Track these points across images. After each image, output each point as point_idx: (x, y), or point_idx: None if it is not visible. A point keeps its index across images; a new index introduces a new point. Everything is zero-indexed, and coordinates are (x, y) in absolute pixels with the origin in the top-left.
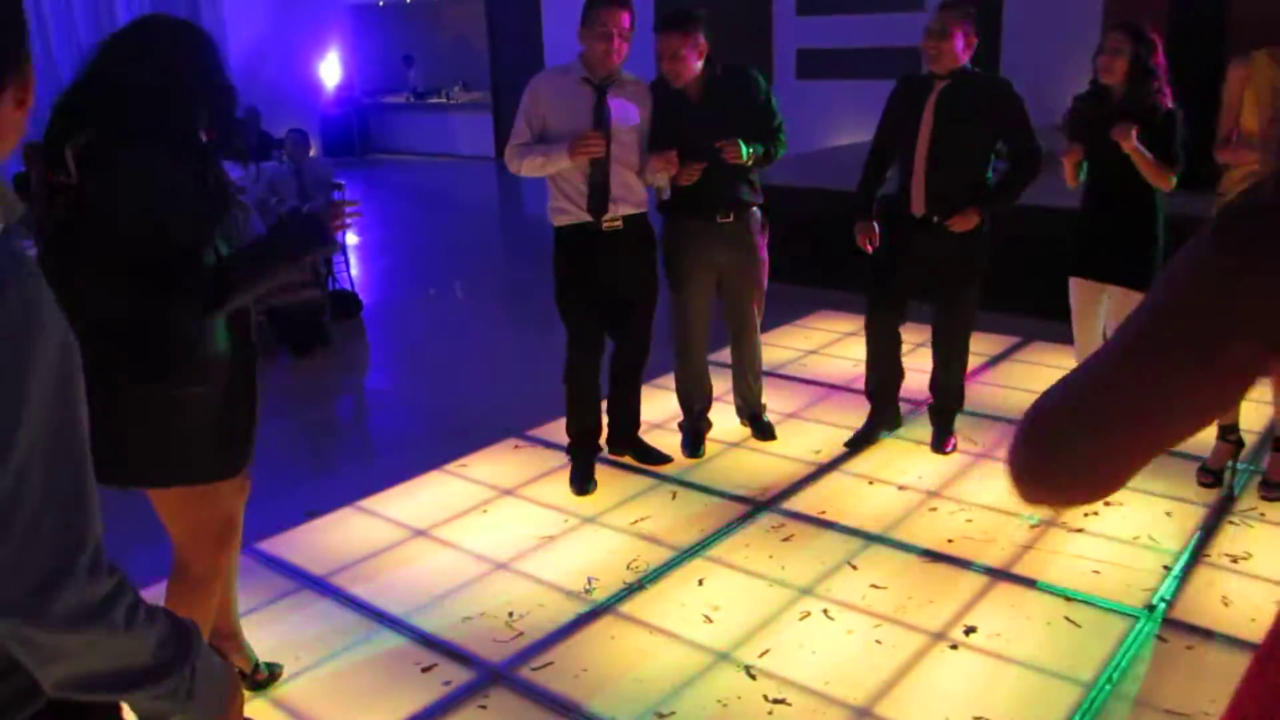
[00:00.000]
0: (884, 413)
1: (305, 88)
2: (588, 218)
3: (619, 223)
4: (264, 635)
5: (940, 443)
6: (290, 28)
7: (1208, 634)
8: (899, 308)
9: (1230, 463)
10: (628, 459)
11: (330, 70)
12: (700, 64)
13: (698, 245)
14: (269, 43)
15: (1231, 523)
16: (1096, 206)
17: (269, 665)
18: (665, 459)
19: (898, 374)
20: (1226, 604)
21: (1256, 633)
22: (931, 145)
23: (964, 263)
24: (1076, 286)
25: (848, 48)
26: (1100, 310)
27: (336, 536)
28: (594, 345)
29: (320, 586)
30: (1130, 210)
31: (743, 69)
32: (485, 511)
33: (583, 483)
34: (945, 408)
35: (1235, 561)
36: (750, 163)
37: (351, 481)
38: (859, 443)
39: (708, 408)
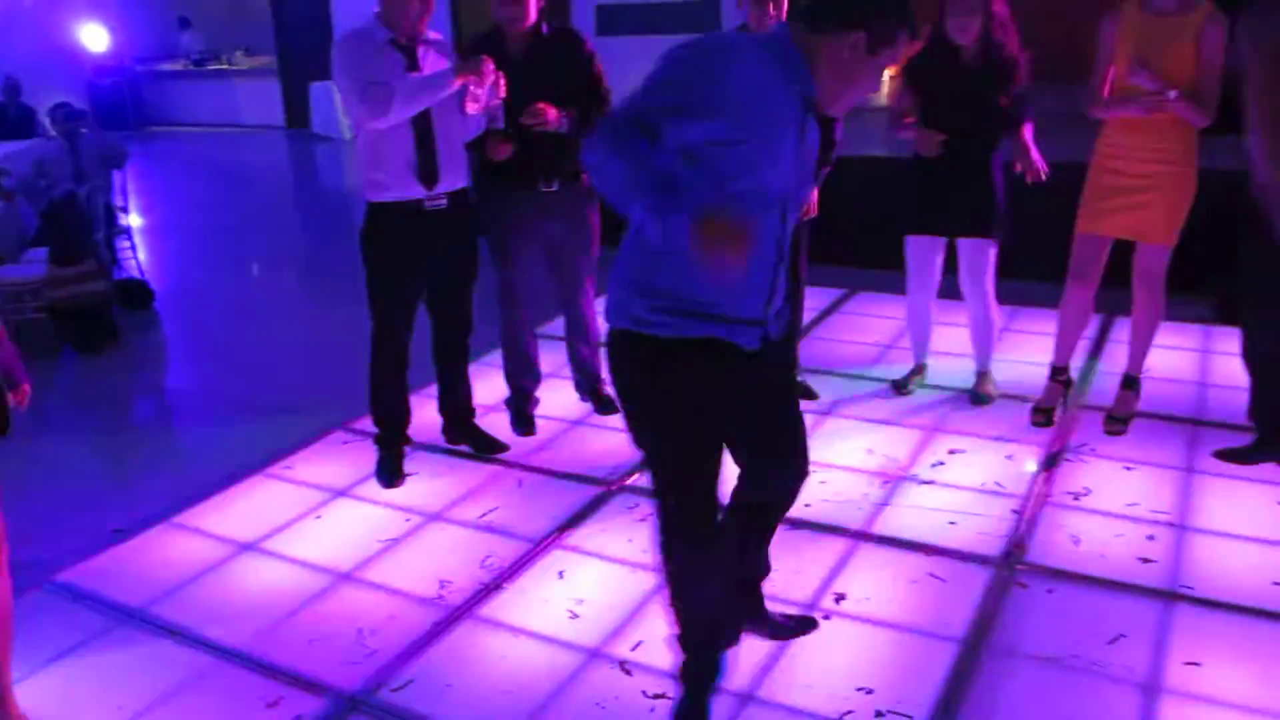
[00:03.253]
0: None
1: (67, 55)
2: (412, 194)
3: (443, 202)
4: (75, 687)
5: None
6: None
7: (1063, 575)
8: None
9: (1062, 401)
10: (465, 446)
11: (95, 35)
12: (532, 8)
13: (524, 216)
14: (19, 6)
15: (1068, 459)
16: (935, 161)
17: None
18: (502, 447)
19: None
20: (1076, 543)
21: (1107, 569)
22: None
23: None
24: (917, 244)
25: (648, 2)
26: (939, 265)
27: (151, 559)
28: (403, 332)
29: (138, 620)
30: (972, 162)
31: (572, 31)
32: (319, 517)
33: (389, 476)
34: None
35: (1077, 499)
36: (570, 132)
37: (161, 494)
38: None
39: (537, 384)
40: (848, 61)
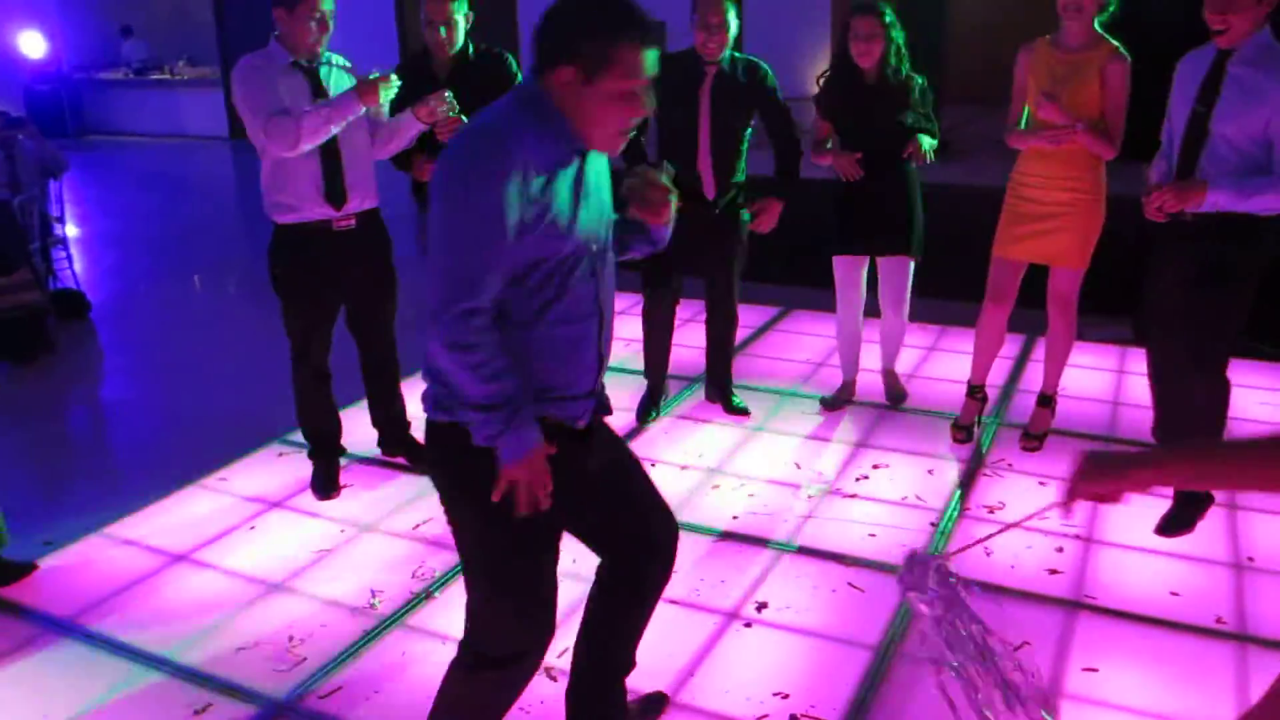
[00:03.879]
0: (659, 395)
1: (3, 61)
2: (319, 214)
3: (352, 222)
4: (1, 696)
5: (737, 406)
6: None
7: (976, 585)
8: (677, 289)
9: (978, 417)
10: (401, 459)
11: (32, 41)
12: (460, 34)
13: None
14: None
15: (985, 474)
16: (853, 183)
17: None
18: None
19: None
20: (988, 554)
21: (1016, 580)
22: (713, 131)
23: (737, 239)
24: (842, 264)
25: None
26: (863, 282)
27: (82, 570)
28: (320, 351)
29: (67, 629)
30: (890, 182)
31: (499, 54)
32: (252, 528)
33: (324, 487)
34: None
35: (991, 512)
36: None
37: (94, 505)
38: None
39: None
40: (575, 98)
